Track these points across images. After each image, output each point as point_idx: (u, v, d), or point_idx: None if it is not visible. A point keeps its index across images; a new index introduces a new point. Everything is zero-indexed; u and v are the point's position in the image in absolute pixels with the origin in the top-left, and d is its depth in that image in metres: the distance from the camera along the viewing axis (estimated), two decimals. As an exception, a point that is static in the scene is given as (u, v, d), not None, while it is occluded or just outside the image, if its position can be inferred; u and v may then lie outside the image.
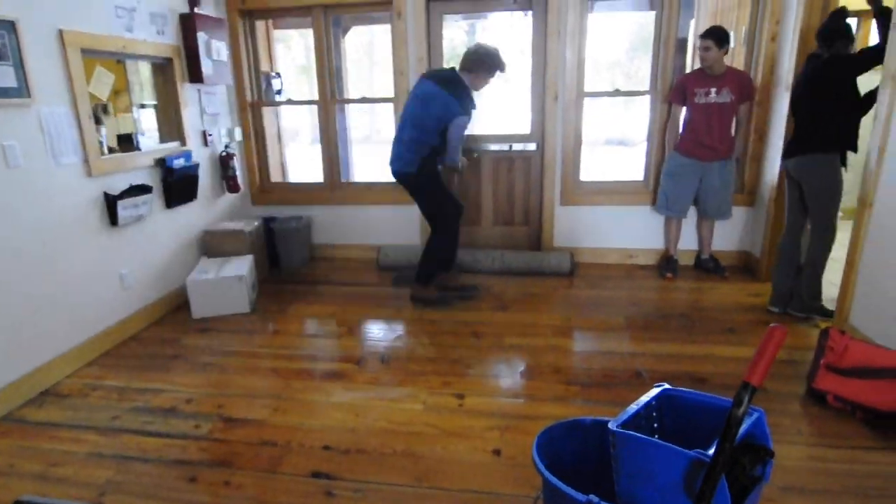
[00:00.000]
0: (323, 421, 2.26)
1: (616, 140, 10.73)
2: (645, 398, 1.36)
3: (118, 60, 3.45)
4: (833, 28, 2.82)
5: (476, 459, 2.00)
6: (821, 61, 2.86)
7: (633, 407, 1.32)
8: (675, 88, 3.65)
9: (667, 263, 3.88)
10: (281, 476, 1.94)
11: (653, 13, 3.81)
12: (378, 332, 3.12)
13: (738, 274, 3.82)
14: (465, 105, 3.06)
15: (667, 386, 1.41)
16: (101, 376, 2.67)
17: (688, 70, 4.38)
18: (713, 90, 3.46)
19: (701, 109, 3.51)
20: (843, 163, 2.87)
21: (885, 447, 2.01)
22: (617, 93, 4.27)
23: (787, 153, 3.06)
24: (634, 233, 4.03)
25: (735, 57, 3.97)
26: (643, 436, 1.19)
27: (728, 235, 3.94)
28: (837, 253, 2.96)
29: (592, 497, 1.19)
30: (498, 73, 3.14)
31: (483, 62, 3.07)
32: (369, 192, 4.32)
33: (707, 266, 3.87)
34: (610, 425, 1.23)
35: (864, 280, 2.64)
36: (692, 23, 4.80)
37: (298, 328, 3.20)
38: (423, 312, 3.33)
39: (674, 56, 3.75)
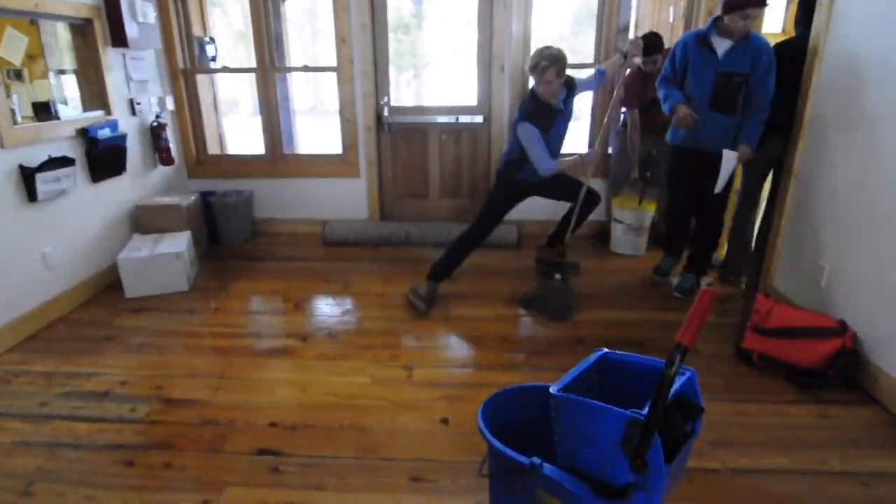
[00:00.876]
0: (268, 398, 2.21)
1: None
2: (585, 362, 1.40)
3: (32, 21, 3.16)
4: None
5: (424, 429, 2.02)
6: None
7: (574, 371, 1.36)
8: (628, 94, 3.53)
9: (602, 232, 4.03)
10: (225, 455, 1.89)
11: (596, -15, 3.82)
12: (325, 307, 3.07)
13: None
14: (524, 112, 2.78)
15: (606, 350, 1.45)
16: (25, 361, 2.50)
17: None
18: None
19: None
20: None
21: (805, 401, 2.17)
22: (562, 65, 4.29)
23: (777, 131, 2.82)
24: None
25: (674, 32, 4.06)
26: (581, 398, 1.23)
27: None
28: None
29: (535, 459, 1.23)
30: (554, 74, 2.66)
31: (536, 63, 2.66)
32: (313, 164, 4.19)
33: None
34: (550, 389, 1.26)
35: (786, 247, 2.81)
36: (634, -3, 4.86)
37: (241, 306, 3.10)
38: (370, 286, 3.30)
39: (616, 31, 3.80)
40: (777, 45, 2.85)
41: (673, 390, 1.26)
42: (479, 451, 1.83)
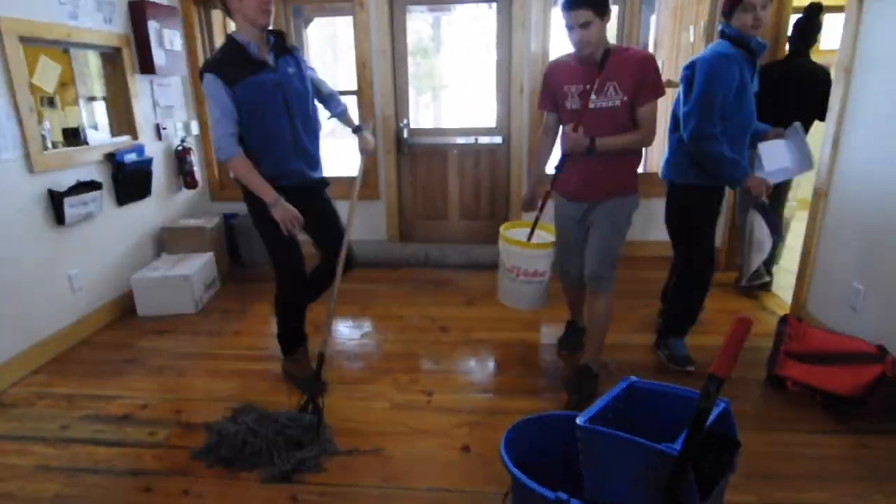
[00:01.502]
0: (287, 423, 2.18)
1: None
2: (612, 392, 1.35)
3: (64, 50, 3.27)
4: (816, 24, 2.96)
5: (445, 457, 1.97)
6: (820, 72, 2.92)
7: (601, 401, 1.31)
8: (543, 87, 2.31)
9: (565, 335, 2.76)
10: (243, 482, 1.86)
11: (615, 7, 3.83)
12: (344, 330, 3.06)
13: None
14: None
15: (634, 379, 1.40)
16: (48, 384, 2.53)
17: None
18: (590, 87, 2.06)
19: (573, 119, 2.14)
20: None
21: (842, 430, 2.07)
22: (581, 86, 4.28)
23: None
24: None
25: (694, 52, 4.04)
26: (609, 430, 1.18)
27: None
28: (793, 242, 3.05)
29: (561, 494, 1.18)
30: None
31: None
32: (334, 187, 4.19)
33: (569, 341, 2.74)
34: (577, 420, 1.21)
35: (819, 269, 2.72)
36: (653, 18, 4.87)
37: (261, 328, 3.10)
38: (390, 308, 3.28)
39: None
40: (764, 66, 2.97)
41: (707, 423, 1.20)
42: (502, 481, 1.78)
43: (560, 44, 3.87)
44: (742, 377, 2.42)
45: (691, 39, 4.13)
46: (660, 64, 4.81)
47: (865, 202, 2.39)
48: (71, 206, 2.80)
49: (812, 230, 2.73)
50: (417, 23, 8.53)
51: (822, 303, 2.69)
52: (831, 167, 2.59)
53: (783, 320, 2.45)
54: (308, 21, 5.27)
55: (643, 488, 1.13)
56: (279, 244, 2.25)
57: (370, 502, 1.76)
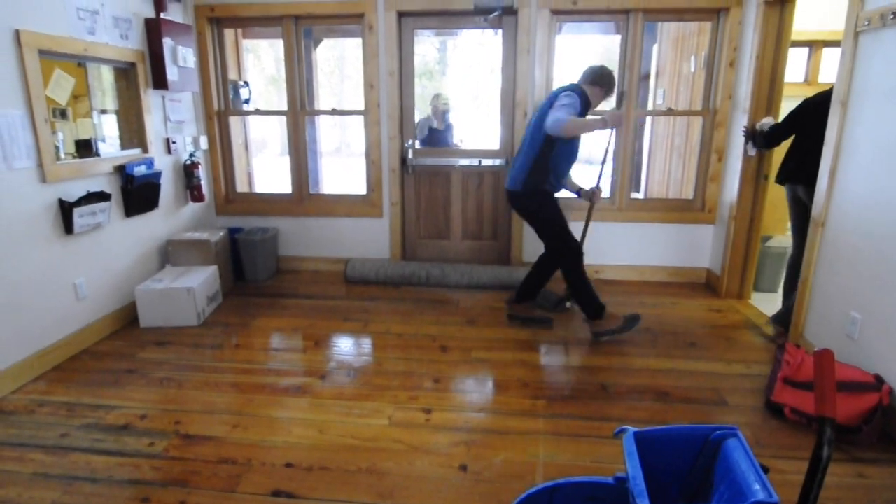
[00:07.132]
0: (285, 437, 2.19)
1: (584, 159, 10.96)
2: (632, 458, 1.29)
3: (79, 63, 3.35)
4: None
5: (442, 475, 1.97)
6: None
7: (637, 474, 1.24)
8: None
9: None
10: (240, 495, 1.87)
11: (618, 37, 3.92)
12: (345, 346, 3.07)
13: (700, 290, 3.92)
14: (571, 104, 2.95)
15: (632, 430, 1.37)
16: (49, 392, 2.54)
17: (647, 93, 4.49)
18: None
19: None
20: None
21: (840, 459, 2.07)
22: (584, 112, 4.36)
23: (805, 179, 2.92)
24: (600, 248, 4.10)
25: (695, 81, 4.12)
26: None
27: (694, 253, 4.04)
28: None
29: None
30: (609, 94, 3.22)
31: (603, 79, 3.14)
32: (338, 204, 4.27)
33: None
34: None
35: (817, 296, 2.74)
36: (655, 47, 4.98)
37: (262, 342, 3.11)
38: (391, 326, 3.30)
39: (638, 79, 3.87)
40: (807, 99, 3.01)
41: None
42: (498, 500, 1.79)
43: (563, 71, 3.96)
44: (741, 404, 2.43)
45: (692, 69, 4.22)
46: (661, 93, 4.91)
47: (861, 232, 2.43)
48: (80, 216, 2.85)
49: (810, 259, 2.76)
50: (424, 46, 8.70)
51: (819, 331, 2.71)
52: (828, 197, 2.64)
53: (781, 347, 2.47)
54: (317, 42, 5.38)
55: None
56: (565, 227, 3.23)
57: (367, 519, 1.76)
